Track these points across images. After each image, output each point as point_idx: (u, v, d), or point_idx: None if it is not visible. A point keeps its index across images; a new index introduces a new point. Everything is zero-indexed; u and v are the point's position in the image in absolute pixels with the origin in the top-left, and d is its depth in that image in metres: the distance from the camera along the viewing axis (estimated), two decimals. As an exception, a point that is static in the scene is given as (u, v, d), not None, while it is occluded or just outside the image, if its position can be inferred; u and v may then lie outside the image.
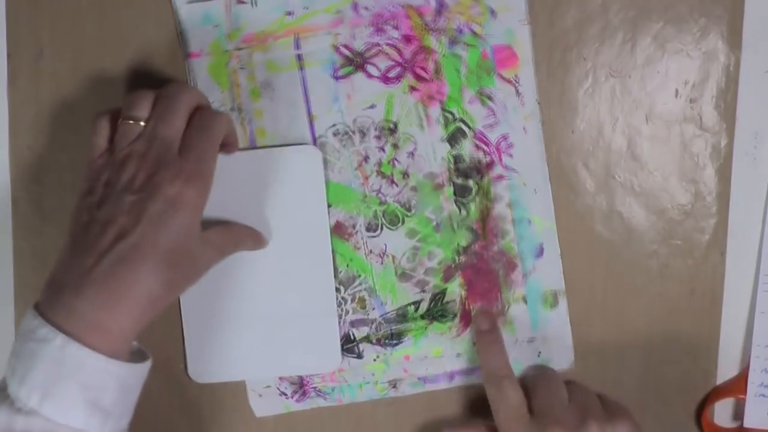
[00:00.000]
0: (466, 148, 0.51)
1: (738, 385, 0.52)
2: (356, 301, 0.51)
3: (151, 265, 0.39)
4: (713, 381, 0.53)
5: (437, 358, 0.53)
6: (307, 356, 0.50)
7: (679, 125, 0.50)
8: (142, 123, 0.42)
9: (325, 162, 0.51)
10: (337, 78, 0.50)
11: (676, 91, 0.50)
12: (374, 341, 0.52)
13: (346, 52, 0.50)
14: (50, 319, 0.38)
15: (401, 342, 0.52)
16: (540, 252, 0.51)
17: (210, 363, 0.49)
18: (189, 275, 0.42)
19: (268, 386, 0.53)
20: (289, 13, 0.50)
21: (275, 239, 0.49)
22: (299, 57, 0.50)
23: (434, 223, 0.51)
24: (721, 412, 0.54)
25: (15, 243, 0.53)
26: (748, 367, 0.52)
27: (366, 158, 0.51)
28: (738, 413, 0.54)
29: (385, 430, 0.54)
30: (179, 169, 0.41)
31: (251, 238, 0.48)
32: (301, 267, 0.50)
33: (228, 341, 0.50)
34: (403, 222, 0.51)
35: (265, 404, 0.54)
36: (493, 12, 0.49)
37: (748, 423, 0.52)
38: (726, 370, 0.53)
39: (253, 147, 0.51)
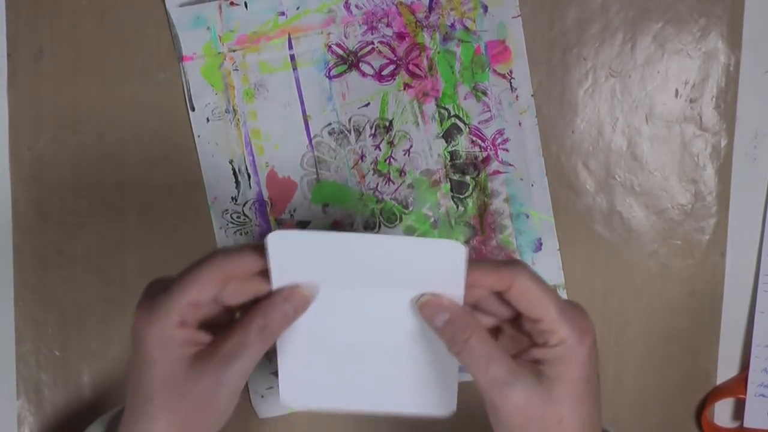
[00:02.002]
0: (462, 144, 0.51)
1: (738, 385, 0.52)
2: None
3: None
4: (713, 381, 0.53)
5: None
6: (417, 396, 0.41)
7: (679, 125, 0.50)
8: None
9: (321, 161, 0.51)
10: (330, 77, 0.50)
11: (676, 91, 0.50)
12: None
13: (340, 51, 0.50)
14: None
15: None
16: (539, 246, 0.51)
17: (305, 388, 0.42)
18: (188, 413, 0.36)
19: (271, 387, 0.53)
20: (282, 14, 0.50)
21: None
22: (292, 57, 0.50)
23: (432, 219, 0.51)
24: (721, 412, 0.54)
25: (15, 243, 0.53)
26: (748, 367, 0.52)
27: (362, 157, 0.51)
28: (738, 413, 0.54)
29: (385, 429, 0.54)
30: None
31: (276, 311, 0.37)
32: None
33: (329, 368, 0.41)
34: (401, 219, 0.51)
35: (268, 405, 0.54)
36: (485, 7, 0.49)
37: (748, 423, 0.52)
38: (726, 370, 0.53)
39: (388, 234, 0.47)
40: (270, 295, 0.37)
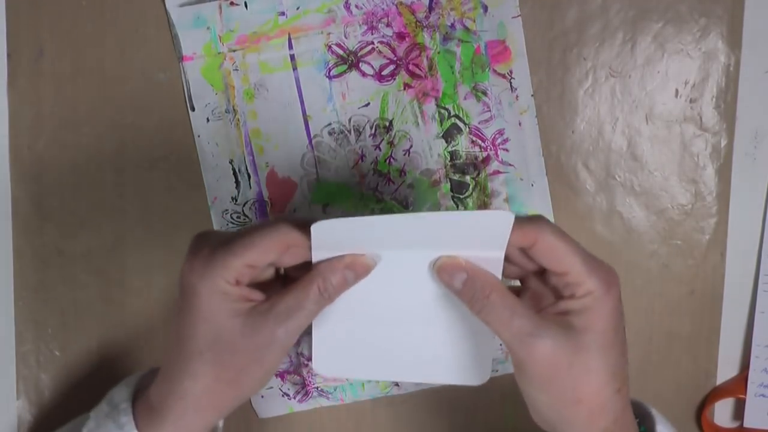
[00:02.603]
0: (462, 144, 0.51)
1: (738, 385, 0.52)
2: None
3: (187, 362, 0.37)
4: (713, 381, 0.53)
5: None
6: (451, 365, 0.41)
7: (679, 125, 0.50)
8: None
9: (321, 161, 0.51)
10: (330, 77, 0.50)
11: (676, 91, 0.50)
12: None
13: (340, 51, 0.50)
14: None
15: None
16: (540, 250, 0.51)
17: (338, 356, 0.42)
18: (240, 368, 0.36)
19: (271, 387, 0.53)
20: (282, 14, 0.50)
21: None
22: (292, 57, 0.50)
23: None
24: (721, 412, 0.54)
25: (15, 243, 0.53)
26: (748, 367, 0.52)
27: (362, 157, 0.51)
28: (738, 413, 0.54)
29: (385, 429, 0.54)
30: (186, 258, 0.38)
31: (335, 276, 0.37)
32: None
33: (363, 336, 0.41)
34: (403, 221, 0.51)
35: (268, 405, 0.54)
36: (485, 7, 0.49)
37: (748, 423, 0.52)
38: (726, 370, 0.53)
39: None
40: (332, 259, 0.37)
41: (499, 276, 0.37)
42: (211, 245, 0.36)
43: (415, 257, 0.38)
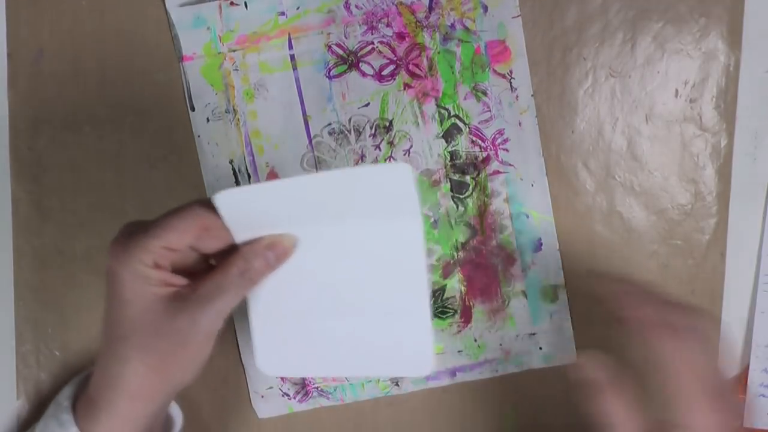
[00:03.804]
0: (462, 144, 0.51)
1: (738, 385, 0.52)
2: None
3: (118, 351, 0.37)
4: (713, 381, 0.53)
5: (439, 354, 0.53)
6: (393, 357, 0.41)
7: (679, 125, 0.50)
8: None
9: (321, 161, 0.51)
10: (330, 77, 0.50)
11: (676, 91, 0.50)
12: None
13: (340, 51, 0.50)
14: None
15: (401, 342, 0.52)
16: (538, 246, 0.51)
17: (281, 355, 0.42)
18: (164, 352, 0.36)
19: (271, 387, 0.53)
20: (282, 14, 0.50)
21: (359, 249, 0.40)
22: (292, 57, 0.50)
23: (432, 219, 0.51)
24: (721, 412, 0.54)
25: (15, 243, 0.53)
26: (748, 367, 0.52)
27: (362, 157, 0.51)
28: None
29: (385, 428, 0.54)
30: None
31: (259, 258, 0.38)
32: (387, 263, 0.40)
33: (303, 334, 0.41)
34: (402, 221, 0.51)
35: (267, 405, 0.54)
36: (485, 7, 0.49)
37: (748, 423, 0.52)
38: (726, 370, 0.52)
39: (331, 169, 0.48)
40: (252, 241, 0.37)
41: (421, 244, 0.38)
42: (131, 231, 0.36)
43: (334, 236, 0.39)
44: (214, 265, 0.39)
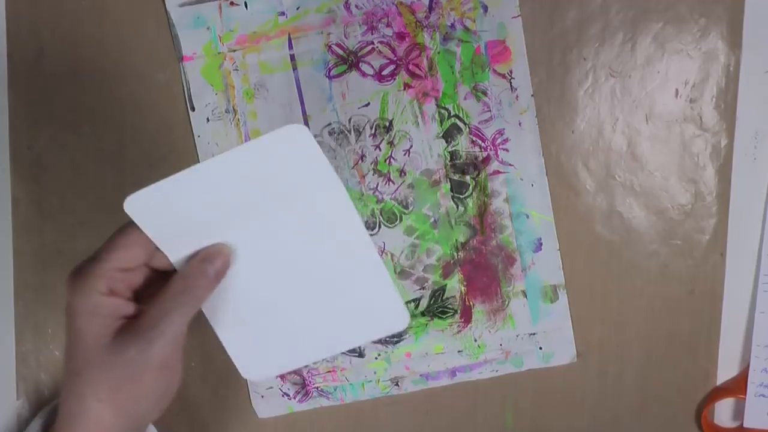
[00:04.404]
0: (462, 144, 0.51)
1: (738, 385, 0.52)
2: (356, 301, 0.52)
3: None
4: (713, 381, 0.53)
5: (439, 354, 0.53)
6: (367, 322, 0.41)
7: (679, 125, 0.50)
8: None
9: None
10: (330, 77, 0.50)
11: (676, 91, 0.50)
12: (375, 339, 0.52)
13: (340, 51, 0.50)
14: None
15: (402, 339, 0.53)
16: (538, 246, 0.51)
17: (261, 358, 0.41)
18: (115, 388, 0.34)
19: (271, 387, 0.53)
20: (282, 14, 0.50)
21: (284, 229, 0.39)
22: (292, 57, 0.50)
23: (432, 219, 0.51)
24: (721, 412, 0.54)
25: (15, 243, 0.53)
26: (748, 367, 0.52)
27: (362, 157, 0.51)
28: (738, 413, 0.54)
29: (385, 428, 0.54)
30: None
31: (200, 277, 0.36)
32: (326, 235, 0.39)
33: (273, 330, 0.41)
34: (401, 219, 0.51)
35: (267, 405, 0.54)
36: (485, 7, 0.49)
37: (748, 423, 0.52)
38: (726, 370, 0.53)
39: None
40: (188, 259, 0.36)
41: (349, 205, 0.37)
42: (85, 262, 0.35)
43: (263, 225, 0.37)
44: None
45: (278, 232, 0.38)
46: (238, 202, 0.36)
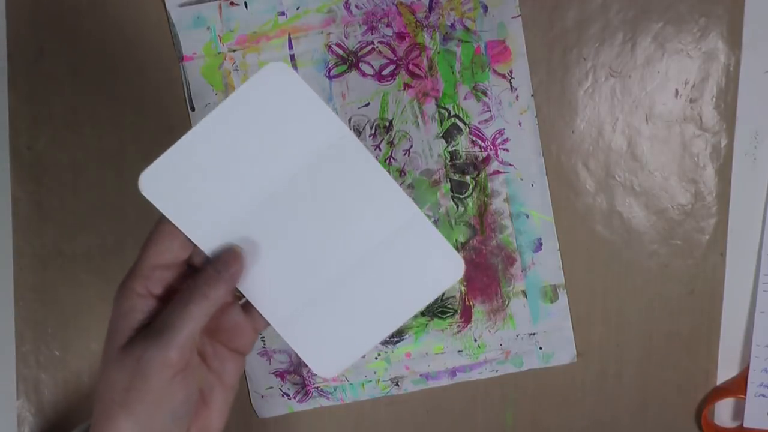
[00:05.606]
0: (462, 144, 0.51)
1: (738, 385, 0.52)
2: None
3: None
4: (713, 381, 0.53)
5: (438, 354, 0.53)
6: (425, 280, 0.38)
7: (679, 125, 0.50)
8: None
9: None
10: (330, 77, 0.50)
11: (676, 91, 0.50)
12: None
13: (340, 51, 0.50)
14: None
15: (402, 339, 0.52)
16: (538, 246, 0.51)
17: (332, 351, 0.39)
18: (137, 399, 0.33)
19: (271, 387, 0.53)
20: (282, 14, 0.50)
21: (297, 188, 0.37)
22: (292, 57, 0.50)
23: (432, 219, 0.51)
24: (721, 412, 0.54)
25: (15, 243, 0.53)
26: (748, 367, 0.52)
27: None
28: (738, 413, 0.54)
29: (385, 428, 0.54)
30: None
31: (214, 284, 0.35)
32: (348, 190, 0.37)
33: (334, 315, 0.38)
34: (403, 221, 0.51)
35: (267, 405, 0.54)
36: (485, 7, 0.49)
37: (748, 423, 0.52)
38: (726, 370, 0.53)
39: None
40: (201, 271, 0.35)
41: (363, 151, 0.35)
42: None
43: (285, 194, 0.36)
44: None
45: (298, 200, 0.36)
46: (245, 159, 0.35)
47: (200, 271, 0.35)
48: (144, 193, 0.35)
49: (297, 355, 0.39)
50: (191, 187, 0.35)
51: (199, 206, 0.36)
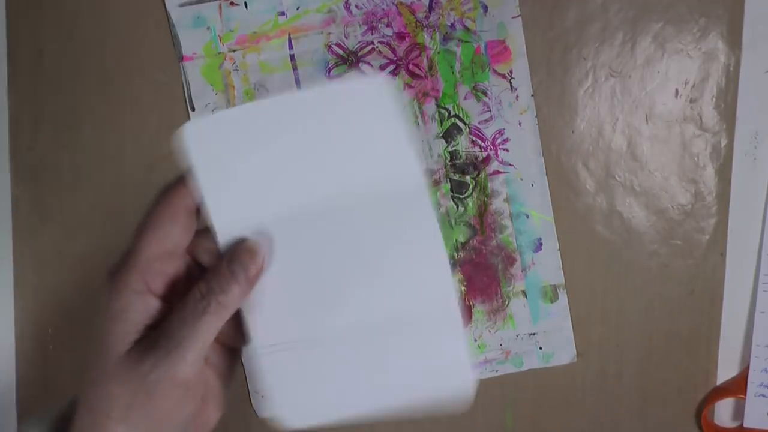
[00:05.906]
0: (462, 144, 0.51)
1: (738, 385, 0.52)
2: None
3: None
4: (713, 381, 0.53)
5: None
6: (427, 382, 0.33)
7: (679, 125, 0.50)
8: None
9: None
10: (330, 77, 0.50)
11: (676, 91, 0.50)
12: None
13: (340, 51, 0.50)
14: None
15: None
16: (538, 246, 0.51)
17: (302, 401, 0.33)
18: (128, 406, 0.29)
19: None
20: (282, 14, 0.50)
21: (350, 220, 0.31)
22: (292, 57, 0.50)
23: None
24: (721, 412, 0.54)
25: (15, 243, 0.53)
26: (748, 367, 0.52)
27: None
28: (738, 413, 0.54)
29: (385, 429, 0.54)
30: None
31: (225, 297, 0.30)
32: (395, 245, 0.31)
33: (318, 369, 0.33)
34: (403, 222, 0.51)
35: (268, 405, 0.54)
36: (485, 7, 0.49)
37: (748, 423, 0.52)
38: (726, 370, 0.53)
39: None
40: (216, 268, 0.30)
41: (428, 211, 0.31)
42: (125, 251, 0.31)
43: (322, 189, 0.31)
44: None
45: (341, 215, 0.31)
46: (303, 156, 0.31)
47: (212, 270, 0.30)
48: (184, 142, 0.31)
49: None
50: (235, 158, 0.31)
51: (232, 182, 0.31)
